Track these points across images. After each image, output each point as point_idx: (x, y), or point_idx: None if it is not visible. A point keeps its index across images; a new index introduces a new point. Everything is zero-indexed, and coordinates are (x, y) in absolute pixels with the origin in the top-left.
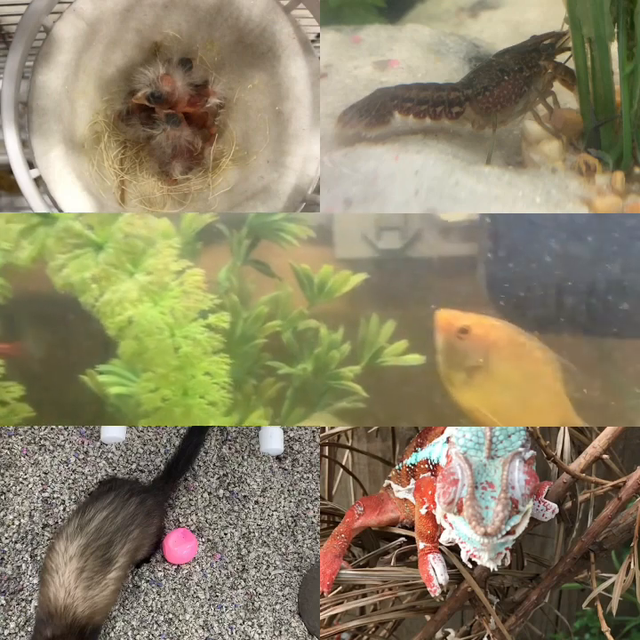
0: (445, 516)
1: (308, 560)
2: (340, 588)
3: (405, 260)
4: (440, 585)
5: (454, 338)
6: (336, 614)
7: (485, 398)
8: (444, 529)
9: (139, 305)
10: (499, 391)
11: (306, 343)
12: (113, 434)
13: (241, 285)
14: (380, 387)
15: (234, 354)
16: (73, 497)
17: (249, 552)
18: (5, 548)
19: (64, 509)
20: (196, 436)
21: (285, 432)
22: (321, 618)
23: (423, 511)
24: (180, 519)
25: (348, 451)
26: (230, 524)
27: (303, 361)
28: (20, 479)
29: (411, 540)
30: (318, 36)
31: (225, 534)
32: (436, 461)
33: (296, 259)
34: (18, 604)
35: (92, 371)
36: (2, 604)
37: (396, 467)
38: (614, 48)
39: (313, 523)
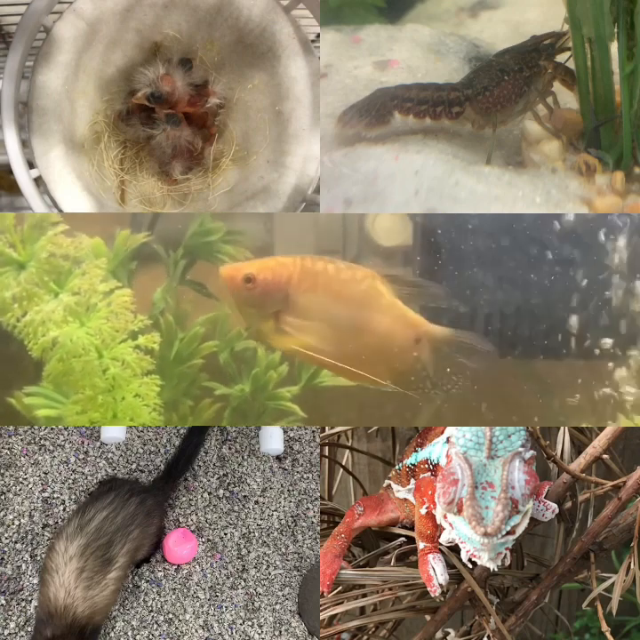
0: (445, 516)
1: (308, 560)
2: (340, 588)
3: None
4: (440, 585)
5: (243, 291)
6: (336, 614)
7: (306, 336)
8: (443, 529)
9: (64, 325)
10: (317, 325)
11: (244, 364)
12: (113, 434)
13: (177, 306)
14: (317, 407)
15: (169, 374)
16: (73, 497)
17: (249, 552)
18: (5, 548)
19: (64, 509)
20: (196, 436)
21: (285, 432)
22: (321, 618)
23: (423, 511)
24: (180, 519)
25: (348, 451)
26: (230, 524)
27: (241, 381)
28: (20, 479)
29: (411, 539)
30: (318, 36)
31: (225, 534)
32: (436, 461)
33: None
34: (18, 604)
35: (20, 393)
36: (2, 604)
37: (396, 467)
38: (614, 48)
39: (313, 523)
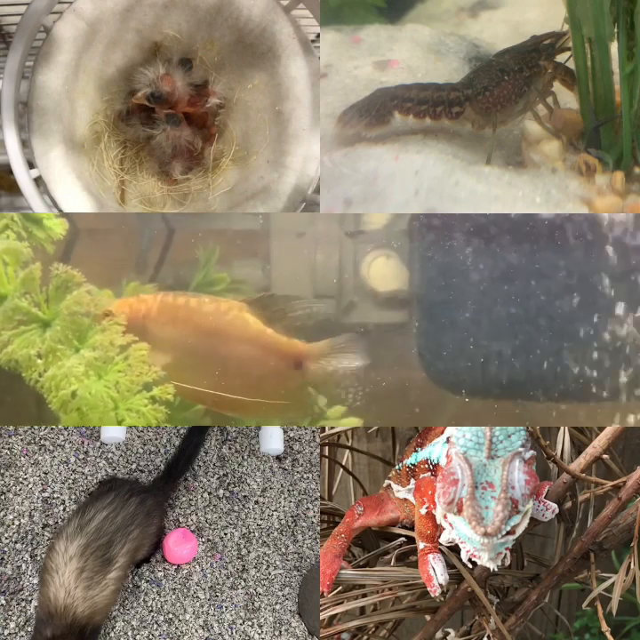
0: (445, 516)
1: (308, 560)
2: (340, 588)
3: (340, 326)
4: (440, 585)
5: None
6: (336, 614)
7: (168, 370)
8: (443, 529)
9: (84, 379)
10: (178, 357)
11: None
12: (113, 434)
13: None
14: None
15: (174, 420)
16: (73, 497)
17: (249, 552)
18: (5, 548)
19: (64, 509)
20: (196, 436)
21: (285, 432)
22: (321, 618)
23: (423, 511)
24: (180, 519)
25: (348, 451)
26: (230, 524)
27: (244, 425)
28: (20, 479)
29: (411, 539)
30: (318, 35)
31: (225, 534)
32: (436, 461)
33: None
34: (18, 604)
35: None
36: (2, 604)
37: (396, 467)
38: (614, 48)
39: (313, 523)
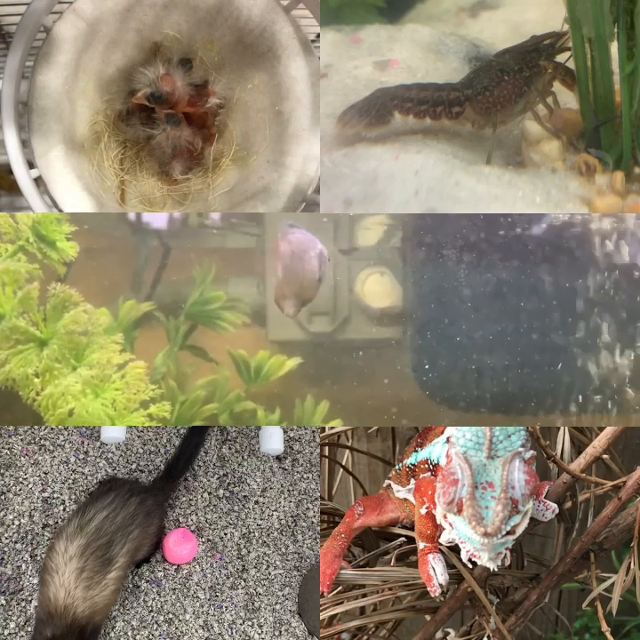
0: (445, 516)
1: (308, 560)
2: (340, 588)
3: (335, 342)
4: (440, 585)
5: None
6: (336, 614)
7: None
8: (443, 529)
9: (81, 397)
10: None
11: (243, 425)
12: (113, 434)
13: (178, 370)
14: None
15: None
16: (73, 497)
17: (249, 552)
18: (5, 548)
19: (64, 509)
20: (196, 436)
21: (285, 432)
22: (321, 618)
23: (423, 511)
24: (180, 519)
25: (347, 451)
26: (230, 524)
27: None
28: (20, 479)
29: (411, 539)
30: (318, 35)
31: (225, 534)
32: (436, 461)
33: (231, 339)
34: (18, 604)
35: None
36: (2, 604)
37: (396, 467)
38: (614, 48)
39: (313, 523)
